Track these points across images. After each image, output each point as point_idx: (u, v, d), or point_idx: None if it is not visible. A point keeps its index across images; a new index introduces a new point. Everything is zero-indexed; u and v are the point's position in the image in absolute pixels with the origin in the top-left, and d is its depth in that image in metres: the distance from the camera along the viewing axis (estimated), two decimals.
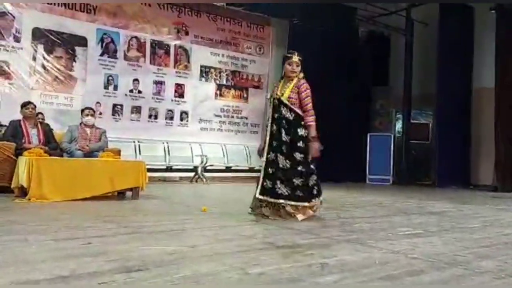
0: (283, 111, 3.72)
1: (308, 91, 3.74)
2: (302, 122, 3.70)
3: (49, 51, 7.88)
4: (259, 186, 3.72)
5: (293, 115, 3.69)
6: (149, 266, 1.98)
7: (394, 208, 5.01)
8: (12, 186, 4.85)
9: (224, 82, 10.13)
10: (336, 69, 9.86)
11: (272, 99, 3.84)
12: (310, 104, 3.73)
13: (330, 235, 2.99)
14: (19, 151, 5.17)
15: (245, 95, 10.42)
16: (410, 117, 11.12)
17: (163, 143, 9.00)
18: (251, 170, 9.62)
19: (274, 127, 3.74)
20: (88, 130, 5.80)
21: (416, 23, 10.88)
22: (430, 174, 10.76)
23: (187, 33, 9.50)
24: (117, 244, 2.47)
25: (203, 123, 9.78)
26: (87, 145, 5.61)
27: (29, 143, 5.44)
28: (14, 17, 7.47)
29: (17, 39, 7.53)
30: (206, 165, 8.76)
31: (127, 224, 3.28)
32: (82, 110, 6.00)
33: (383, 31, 11.48)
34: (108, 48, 8.57)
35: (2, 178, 5.04)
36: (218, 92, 10.04)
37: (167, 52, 9.28)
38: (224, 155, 9.70)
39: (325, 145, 3.74)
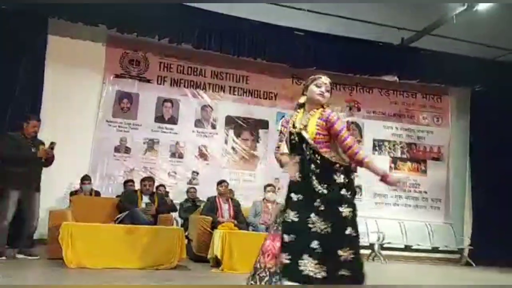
0: (307, 152, 2.63)
1: (341, 120, 2.67)
2: (336, 166, 2.61)
3: (237, 134, 9.00)
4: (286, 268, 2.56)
5: (319, 157, 2.61)
6: None
7: None
8: (208, 256, 5.45)
9: (399, 155, 9.79)
10: None
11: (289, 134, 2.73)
12: (351, 137, 2.64)
13: None
14: (214, 225, 5.85)
15: (423, 168, 9.82)
16: None
17: None
18: (434, 250, 8.75)
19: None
20: (270, 205, 6.27)
21: None
22: None
23: (359, 109, 9.69)
24: None
25: (378, 198, 9.48)
26: (269, 219, 6.02)
27: (222, 217, 6.13)
28: (212, 108, 8.87)
29: (213, 126, 8.86)
30: (383, 242, 8.32)
31: None
32: (265, 187, 6.56)
33: None
34: None
35: (200, 249, 5.75)
36: (392, 165, 9.73)
37: None
38: (402, 233, 9.09)
39: None
